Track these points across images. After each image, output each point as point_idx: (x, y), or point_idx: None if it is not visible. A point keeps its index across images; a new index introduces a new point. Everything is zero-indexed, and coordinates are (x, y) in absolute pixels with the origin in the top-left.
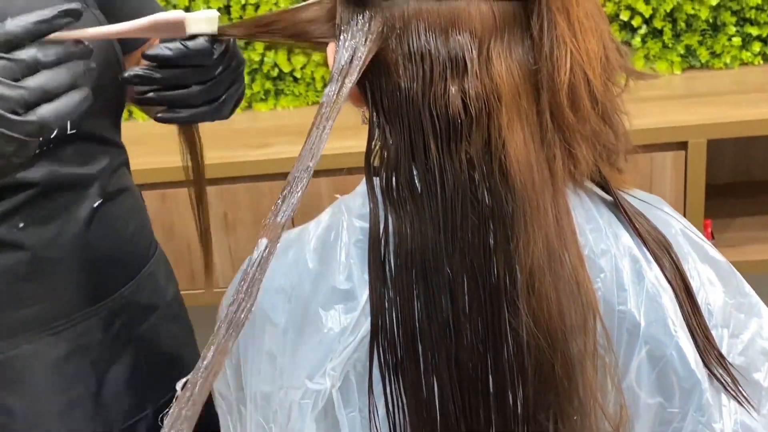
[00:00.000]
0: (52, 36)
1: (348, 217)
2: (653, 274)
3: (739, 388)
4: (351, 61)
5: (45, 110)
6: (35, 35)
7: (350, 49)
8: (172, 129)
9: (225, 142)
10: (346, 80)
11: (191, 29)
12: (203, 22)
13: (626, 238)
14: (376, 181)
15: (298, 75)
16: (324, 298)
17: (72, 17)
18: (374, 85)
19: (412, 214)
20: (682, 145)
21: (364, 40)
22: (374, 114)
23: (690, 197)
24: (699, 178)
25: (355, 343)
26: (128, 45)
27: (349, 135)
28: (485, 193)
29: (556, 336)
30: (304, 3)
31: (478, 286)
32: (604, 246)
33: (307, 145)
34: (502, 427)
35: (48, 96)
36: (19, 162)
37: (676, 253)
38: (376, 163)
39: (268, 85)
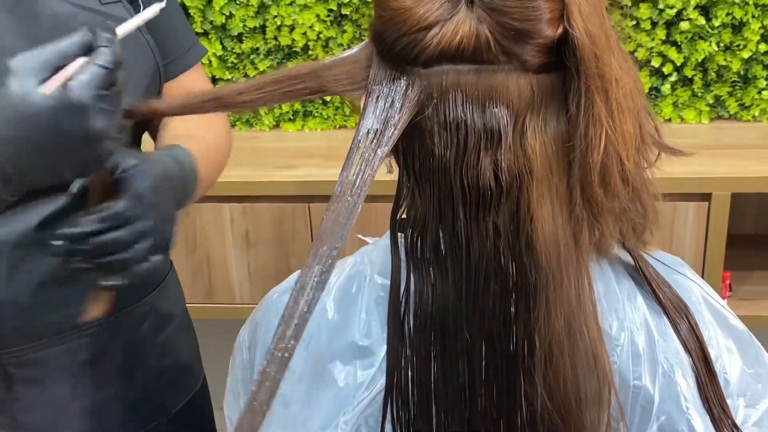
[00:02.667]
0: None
1: (370, 272)
2: (669, 347)
3: None
4: (384, 130)
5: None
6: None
7: (383, 115)
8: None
9: (251, 160)
10: (378, 150)
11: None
12: None
13: (645, 309)
14: (401, 238)
15: (327, 98)
16: (342, 351)
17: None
18: (407, 147)
19: (435, 277)
20: (706, 197)
21: (400, 106)
22: (404, 173)
23: (710, 248)
24: (721, 230)
25: (369, 398)
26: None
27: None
28: (510, 263)
29: (570, 408)
30: (337, 57)
31: (496, 354)
32: (621, 319)
33: (331, 221)
34: None
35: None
36: None
37: (696, 321)
38: (402, 220)
39: (297, 105)
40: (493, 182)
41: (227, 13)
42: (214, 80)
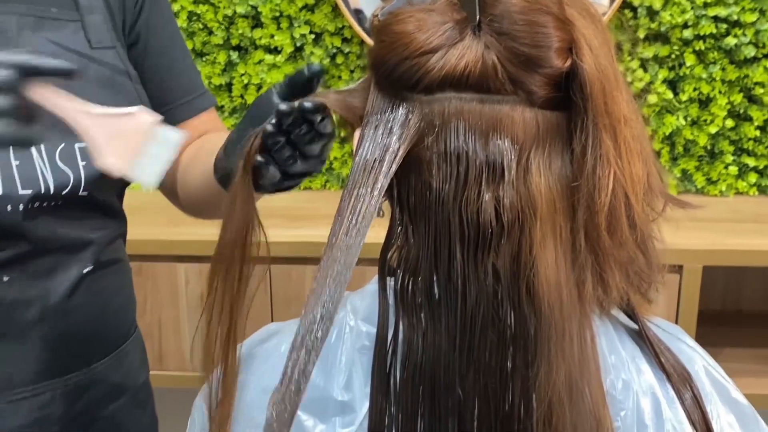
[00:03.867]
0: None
1: (354, 319)
2: (675, 415)
3: None
4: (382, 160)
5: None
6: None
7: (381, 144)
8: (156, 200)
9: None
10: (377, 183)
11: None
12: (164, 143)
13: (649, 374)
14: (390, 281)
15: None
16: (318, 406)
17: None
18: (402, 181)
19: (426, 324)
20: (677, 269)
21: (399, 135)
22: (398, 210)
23: (682, 323)
24: (692, 304)
25: None
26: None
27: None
28: (509, 310)
29: None
30: (347, 87)
31: (490, 413)
32: (626, 381)
33: (329, 268)
34: None
35: None
36: None
37: (700, 392)
38: (393, 262)
39: None
40: (494, 220)
41: None
42: None
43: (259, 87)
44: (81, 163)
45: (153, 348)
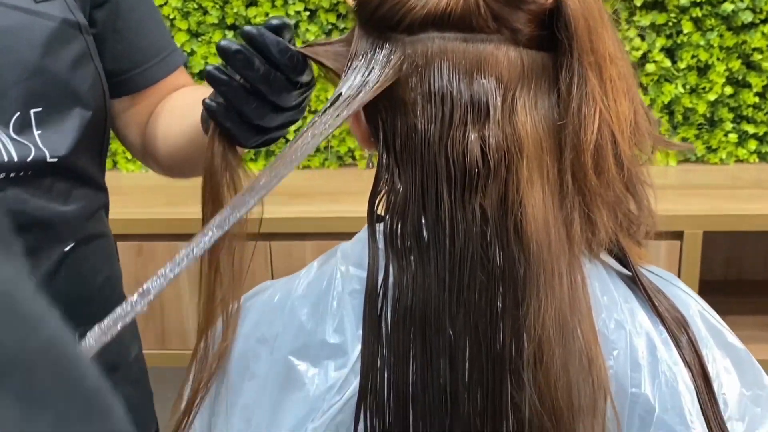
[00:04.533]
0: None
1: (344, 264)
2: (670, 356)
3: None
4: (358, 93)
5: None
6: None
7: (361, 76)
8: (156, 181)
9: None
10: (347, 109)
11: None
12: None
13: (642, 316)
14: (379, 227)
15: (290, 137)
16: (311, 351)
17: None
18: (387, 124)
19: (416, 267)
20: (678, 235)
21: (379, 73)
22: (384, 155)
23: None
24: (693, 270)
25: (340, 403)
26: (138, 82)
27: (342, 199)
28: (497, 250)
29: (562, 415)
30: (327, 40)
31: (481, 353)
32: (619, 321)
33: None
34: None
35: None
36: None
37: (695, 335)
38: (381, 207)
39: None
40: (481, 160)
41: (188, 50)
42: None
43: None
44: (36, 132)
45: (155, 327)
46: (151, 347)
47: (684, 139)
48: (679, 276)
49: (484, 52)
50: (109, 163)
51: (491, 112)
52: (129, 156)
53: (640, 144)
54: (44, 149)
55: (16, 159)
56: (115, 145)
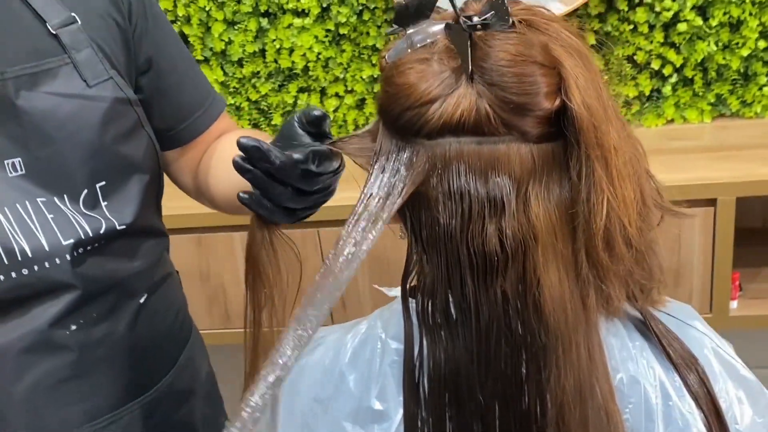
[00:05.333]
0: None
1: (384, 337)
2: (683, 403)
3: None
4: (388, 198)
5: None
6: None
7: (389, 183)
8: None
9: None
10: (380, 217)
11: None
12: None
13: (656, 366)
14: (412, 303)
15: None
16: (360, 415)
17: None
18: (414, 216)
19: (447, 341)
20: (711, 202)
21: (405, 175)
22: (413, 241)
23: (718, 252)
24: (727, 234)
25: None
26: (184, 136)
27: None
28: (519, 326)
29: None
30: (352, 134)
31: (509, 414)
32: (633, 375)
33: (325, 283)
34: None
35: None
36: None
37: (707, 376)
38: (413, 285)
39: None
40: (499, 249)
41: (226, 39)
42: None
43: (291, 51)
44: (103, 204)
45: (220, 310)
46: (217, 327)
47: (719, 96)
48: (713, 239)
49: (497, 153)
50: None
51: (506, 207)
52: None
53: (647, 219)
54: (113, 219)
55: (90, 234)
56: None
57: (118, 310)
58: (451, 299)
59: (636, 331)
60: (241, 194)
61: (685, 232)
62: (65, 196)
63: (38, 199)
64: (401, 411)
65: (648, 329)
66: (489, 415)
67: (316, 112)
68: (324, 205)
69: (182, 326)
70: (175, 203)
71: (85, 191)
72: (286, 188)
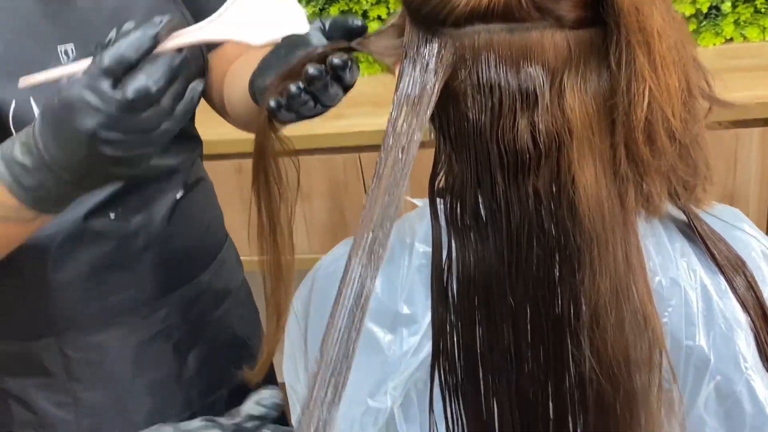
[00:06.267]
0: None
1: (411, 240)
2: (726, 306)
3: None
4: (422, 95)
5: (168, 125)
6: (144, 54)
7: (420, 79)
8: None
9: None
10: (419, 117)
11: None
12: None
13: (699, 268)
14: (440, 204)
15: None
16: (387, 320)
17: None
18: (441, 112)
19: (476, 243)
20: None
21: (434, 69)
22: (441, 140)
23: None
24: None
25: (416, 363)
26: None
27: None
28: (552, 226)
29: (619, 371)
30: (379, 28)
31: (541, 317)
32: (673, 278)
33: (376, 193)
34: None
35: (168, 113)
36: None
37: (756, 280)
38: (441, 186)
39: (361, 56)
40: (531, 145)
41: None
42: None
43: None
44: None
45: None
46: (257, 254)
47: None
48: None
49: (529, 41)
50: None
51: (540, 99)
52: None
53: (693, 110)
54: None
55: None
56: None
57: (155, 203)
58: (480, 200)
59: (678, 233)
60: (272, 103)
61: (742, 154)
62: None
63: None
64: (429, 315)
65: (692, 230)
66: (520, 319)
67: (358, 22)
68: (364, 129)
69: (218, 231)
70: (214, 129)
71: None
72: (315, 105)
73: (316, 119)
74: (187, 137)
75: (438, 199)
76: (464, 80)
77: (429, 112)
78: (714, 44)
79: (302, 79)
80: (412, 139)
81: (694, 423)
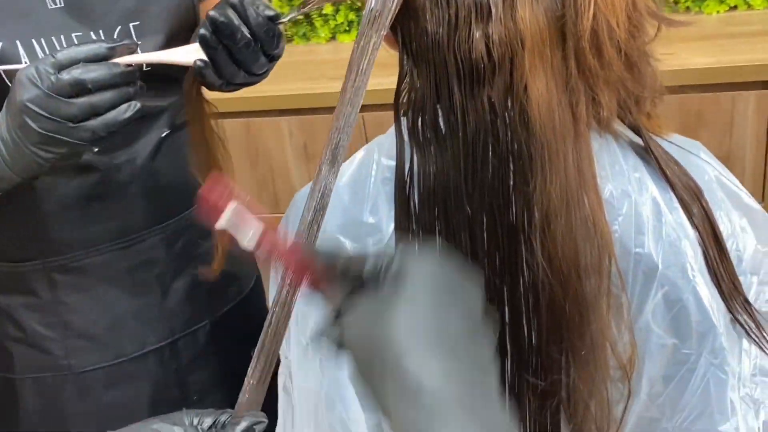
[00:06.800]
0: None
1: (378, 156)
2: (675, 219)
3: (763, 333)
4: (382, 10)
5: (93, 123)
6: (94, 59)
7: None
8: None
9: (306, 73)
10: (378, 32)
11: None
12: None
13: (651, 184)
14: (404, 121)
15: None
16: (352, 229)
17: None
18: (404, 29)
19: (436, 155)
20: (766, 84)
21: None
22: (404, 57)
23: None
24: None
25: None
26: None
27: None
28: (506, 135)
29: (569, 275)
30: None
31: (497, 225)
32: (625, 190)
33: (342, 103)
34: (516, 356)
35: (96, 111)
36: (72, 161)
37: (707, 200)
38: (404, 103)
39: (352, 16)
40: (486, 56)
41: None
42: None
43: None
44: (138, 42)
45: (268, 193)
46: (267, 212)
47: None
48: None
49: None
50: None
51: (493, 11)
52: None
53: (639, 25)
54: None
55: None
56: None
57: (141, 138)
58: (440, 113)
59: (632, 153)
60: (198, 62)
61: (738, 116)
62: (100, 32)
63: (73, 34)
64: (392, 225)
65: (645, 150)
66: (477, 227)
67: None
68: (367, 88)
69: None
70: None
71: (119, 28)
72: (238, 69)
73: (321, 80)
74: (177, 81)
75: (402, 117)
76: None
77: (387, 27)
78: (718, 11)
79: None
80: (372, 53)
81: (642, 330)
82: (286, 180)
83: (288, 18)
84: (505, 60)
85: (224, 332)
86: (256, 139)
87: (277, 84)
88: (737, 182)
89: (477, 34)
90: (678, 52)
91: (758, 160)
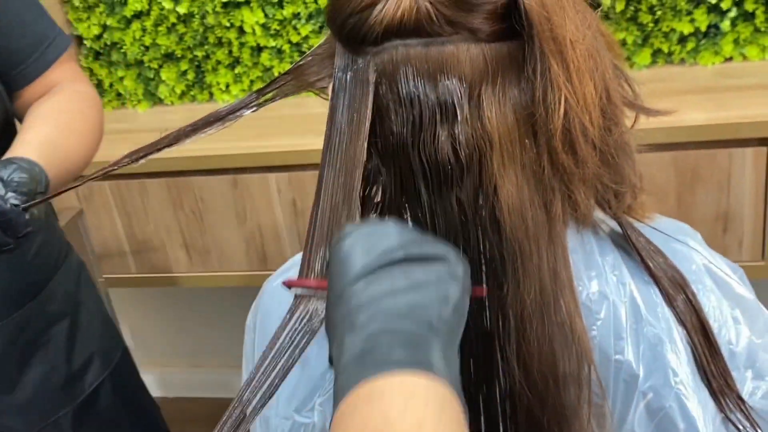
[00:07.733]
0: None
1: None
2: (658, 320)
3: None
4: (351, 123)
5: None
6: None
7: (353, 103)
8: (246, 117)
9: (295, 128)
10: (359, 136)
11: None
12: None
13: (631, 281)
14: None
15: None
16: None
17: None
18: (371, 128)
19: None
20: (763, 141)
21: (362, 91)
22: (370, 154)
23: None
24: None
25: None
26: (18, 82)
27: None
28: (477, 238)
29: (547, 384)
30: (309, 52)
31: (470, 330)
32: (602, 291)
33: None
34: None
35: None
36: None
37: (693, 291)
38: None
39: None
40: (453, 157)
41: None
42: (259, 48)
43: None
44: None
45: (257, 251)
46: (256, 269)
47: None
48: (766, 185)
49: (445, 54)
50: (205, 95)
51: (458, 112)
52: (223, 87)
53: (615, 118)
54: None
55: None
56: (210, 78)
57: None
58: (408, 213)
59: (611, 247)
60: None
61: (735, 174)
62: None
63: None
64: None
65: (626, 241)
66: None
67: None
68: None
69: (49, 255)
70: (210, 145)
71: None
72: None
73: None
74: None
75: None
76: (385, 95)
77: (364, 137)
78: (713, 63)
79: None
80: (358, 159)
81: None
82: (275, 238)
83: (33, 204)
84: (473, 161)
85: (93, 413)
86: (243, 197)
87: (265, 140)
88: (728, 270)
89: (443, 135)
90: (673, 105)
91: (757, 218)
